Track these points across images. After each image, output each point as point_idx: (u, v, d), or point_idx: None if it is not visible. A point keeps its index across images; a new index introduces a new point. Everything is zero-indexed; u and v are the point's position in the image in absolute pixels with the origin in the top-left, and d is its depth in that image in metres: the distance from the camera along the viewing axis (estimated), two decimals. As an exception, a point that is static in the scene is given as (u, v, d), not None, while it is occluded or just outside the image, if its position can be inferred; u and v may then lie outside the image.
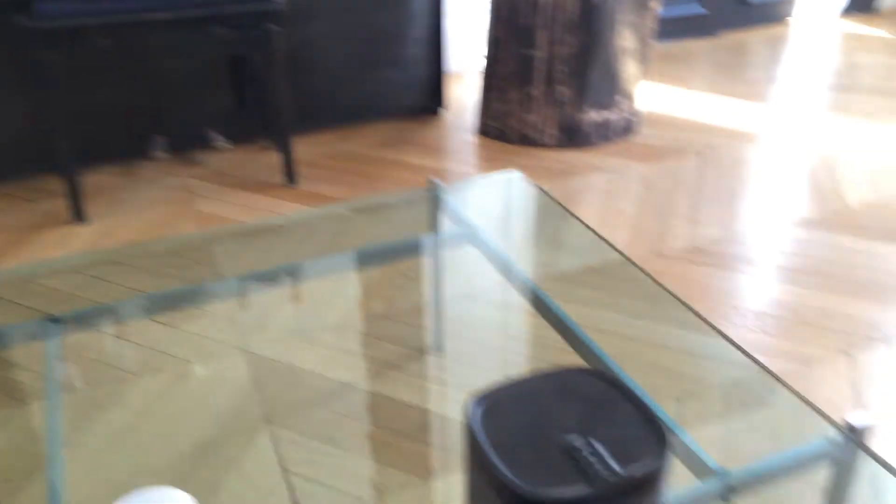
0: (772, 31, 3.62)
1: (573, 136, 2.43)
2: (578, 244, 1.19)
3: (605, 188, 2.14)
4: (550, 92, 2.38)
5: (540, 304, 1.03)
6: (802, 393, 0.88)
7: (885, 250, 1.78)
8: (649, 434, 0.48)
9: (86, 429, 0.86)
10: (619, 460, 0.46)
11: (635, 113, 2.53)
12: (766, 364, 1.39)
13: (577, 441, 0.48)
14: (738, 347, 0.92)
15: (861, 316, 1.54)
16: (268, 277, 1.12)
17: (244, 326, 1.03)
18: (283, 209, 2.04)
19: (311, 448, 0.83)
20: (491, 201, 1.28)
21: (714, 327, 0.98)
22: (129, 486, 0.61)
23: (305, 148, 2.44)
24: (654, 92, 2.87)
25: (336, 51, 2.44)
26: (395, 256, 1.17)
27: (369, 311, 1.06)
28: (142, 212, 2.06)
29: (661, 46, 3.41)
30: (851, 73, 3.05)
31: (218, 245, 1.21)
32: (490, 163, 2.32)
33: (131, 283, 1.12)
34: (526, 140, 2.46)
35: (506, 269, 1.12)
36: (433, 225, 1.21)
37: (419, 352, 0.99)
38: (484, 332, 1.02)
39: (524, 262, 1.14)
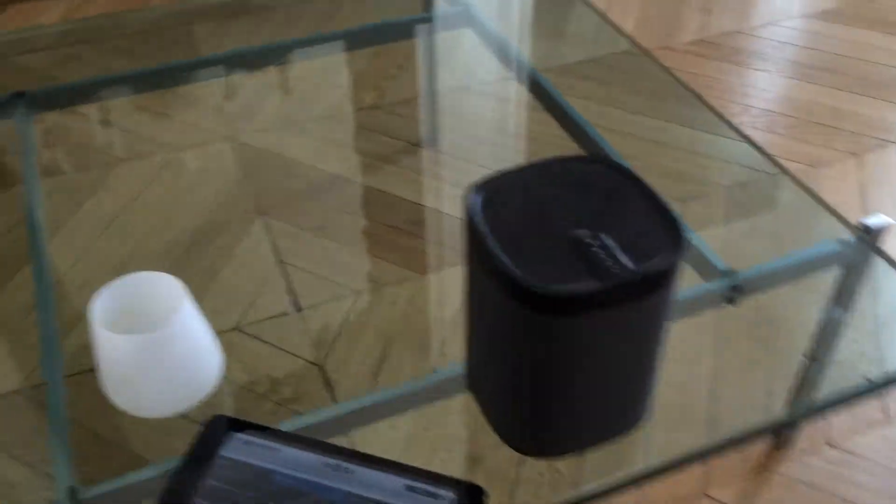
0: None
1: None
2: (583, 31, 1.11)
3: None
4: None
5: (542, 95, 0.97)
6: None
7: (905, 47, 1.69)
8: (664, 229, 0.44)
9: (73, 215, 0.83)
10: (631, 256, 0.43)
11: None
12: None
13: (585, 235, 0.45)
14: (749, 141, 0.88)
15: (875, 117, 1.48)
16: (252, 60, 1.05)
17: (230, 114, 0.98)
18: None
19: (305, 240, 0.81)
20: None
21: (724, 118, 0.93)
22: (120, 274, 0.59)
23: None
24: None
25: None
26: (386, 38, 1.09)
27: (360, 102, 1.01)
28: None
29: None
30: None
31: (197, 24, 1.13)
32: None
33: (106, 63, 1.05)
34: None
35: (505, 56, 1.05)
36: (427, 5, 1.12)
37: (413, 145, 0.95)
38: (481, 125, 0.97)
39: (525, 50, 1.07)
